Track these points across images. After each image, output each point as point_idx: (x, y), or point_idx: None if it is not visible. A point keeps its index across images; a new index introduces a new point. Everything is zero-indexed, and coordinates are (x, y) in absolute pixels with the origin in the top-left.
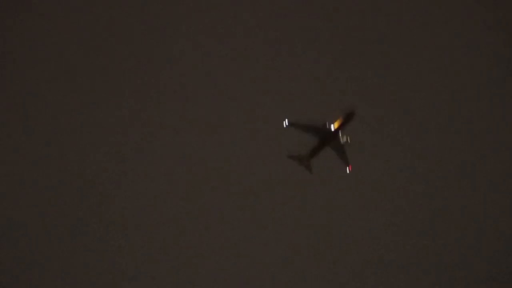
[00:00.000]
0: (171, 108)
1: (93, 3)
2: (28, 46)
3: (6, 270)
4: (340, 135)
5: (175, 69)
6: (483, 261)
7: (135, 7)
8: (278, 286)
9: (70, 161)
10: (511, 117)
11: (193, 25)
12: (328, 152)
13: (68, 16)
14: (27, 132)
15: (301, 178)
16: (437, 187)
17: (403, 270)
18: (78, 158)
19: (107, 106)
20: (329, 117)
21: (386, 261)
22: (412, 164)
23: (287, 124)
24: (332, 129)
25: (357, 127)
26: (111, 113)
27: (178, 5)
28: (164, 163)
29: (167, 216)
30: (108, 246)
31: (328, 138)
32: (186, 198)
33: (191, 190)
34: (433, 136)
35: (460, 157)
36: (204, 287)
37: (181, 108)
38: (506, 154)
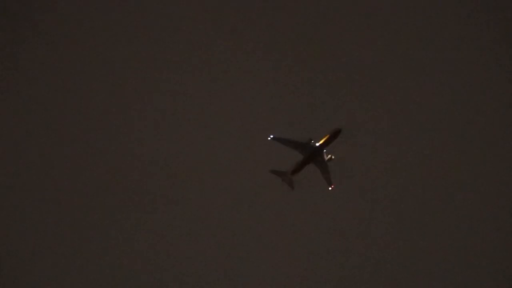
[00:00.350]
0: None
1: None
2: (29, 46)
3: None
4: (325, 152)
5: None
6: (483, 261)
7: (134, 8)
8: None
9: (69, 161)
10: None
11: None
12: (312, 170)
13: (70, 17)
14: (27, 132)
15: (282, 195)
16: (426, 205)
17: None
18: (78, 158)
19: (106, 106)
20: (317, 133)
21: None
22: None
23: (271, 137)
24: (317, 145)
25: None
26: (110, 113)
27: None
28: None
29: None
30: (108, 246)
31: (311, 155)
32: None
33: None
34: (426, 144)
35: (450, 172)
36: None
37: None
38: (506, 154)
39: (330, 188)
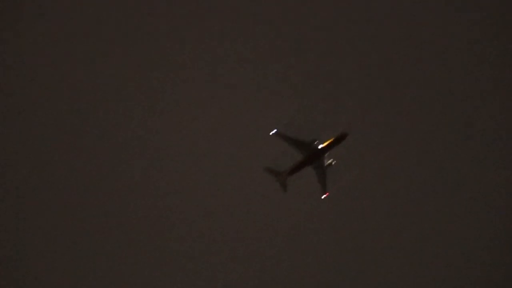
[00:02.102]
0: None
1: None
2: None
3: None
4: (326, 156)
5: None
6: (482, 261)
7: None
8: None
9: (69, 161)
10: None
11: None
12: (309, 173)
13: (72, 18)
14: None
15: (272, 196)
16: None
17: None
18: (77, 158)
19: (106, 107)
20: (322, 135)
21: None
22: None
23: (275, 132)
24: (320, 147)
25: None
26: (110, 113)
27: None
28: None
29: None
30: (107, 246)
31: (312, 157)
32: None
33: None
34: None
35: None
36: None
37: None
38: (506, 154)
39: (322, 197)
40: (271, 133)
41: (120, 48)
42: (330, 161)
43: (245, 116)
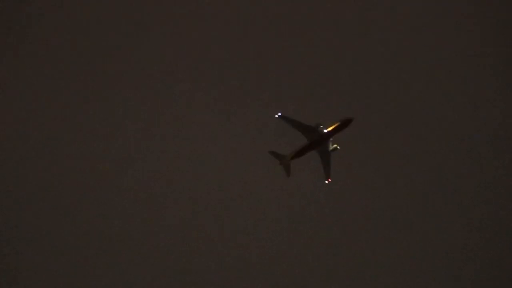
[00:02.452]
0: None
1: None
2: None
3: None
4: (331, 141)
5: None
6: (482, 260)
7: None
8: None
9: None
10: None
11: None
12: (313, 158)
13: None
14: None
15: (276, 179)
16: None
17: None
18: (77, 158)
19: (106, 107)
20: (326, 120)
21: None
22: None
23: (279, 115)
24: (324, 132)
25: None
26: (109, 114)
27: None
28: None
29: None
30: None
31: (316, 141)
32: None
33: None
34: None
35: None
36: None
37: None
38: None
39: (326, 182)
40: (276, 116)
41: (118, 48)
42: (334, 146)
43: (250, 102)
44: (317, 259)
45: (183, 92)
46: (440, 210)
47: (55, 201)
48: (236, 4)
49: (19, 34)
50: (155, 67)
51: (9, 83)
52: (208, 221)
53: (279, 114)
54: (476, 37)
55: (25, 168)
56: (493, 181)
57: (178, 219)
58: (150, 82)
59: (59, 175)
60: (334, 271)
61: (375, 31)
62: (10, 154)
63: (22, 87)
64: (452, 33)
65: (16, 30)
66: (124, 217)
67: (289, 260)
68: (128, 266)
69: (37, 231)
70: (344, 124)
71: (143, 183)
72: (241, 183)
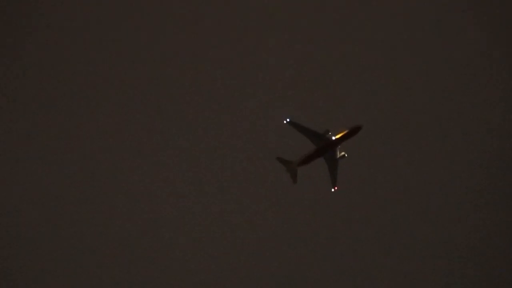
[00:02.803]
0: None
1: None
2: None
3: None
4: (339, 148)
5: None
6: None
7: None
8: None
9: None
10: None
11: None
12: (320, 165)
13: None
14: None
15: (282, 186)
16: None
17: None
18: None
19: (106, 107)
20: (335, 127)
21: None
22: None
23: (288, 120)
24: (333, 139)
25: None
26: (109, 114)
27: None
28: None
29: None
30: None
31: (324, 148)
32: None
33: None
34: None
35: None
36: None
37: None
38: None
39: (333, 190)
40: (284, 121)
41: (118, 48)
42: (342, 153)
43: (258, 106)
44: (323, 266)
45: (189, 89)
46: (452, 220)
47: (55, 201)
48: (246, 12)
49: (19, 34)
50: (155, 68)
51: (9, 83)
52: (211, 226)
53: (288, 119)
54: (483, 37)
55: (25, 168)
56: (493, 181)
57: (179, 222)
58: (150, 82)
59: (59, 175)
60: (340, 278)
61: (389, 36)
62: (10, 154)
63: (22, 87)
64: (458, 33)
65: (16, 30)
66: (124, 217)
67: (295, 268)
68: (128, 266)
69: (37, 231)
70: (353, 132)
71: (143, 183)
72: (246, 188)
